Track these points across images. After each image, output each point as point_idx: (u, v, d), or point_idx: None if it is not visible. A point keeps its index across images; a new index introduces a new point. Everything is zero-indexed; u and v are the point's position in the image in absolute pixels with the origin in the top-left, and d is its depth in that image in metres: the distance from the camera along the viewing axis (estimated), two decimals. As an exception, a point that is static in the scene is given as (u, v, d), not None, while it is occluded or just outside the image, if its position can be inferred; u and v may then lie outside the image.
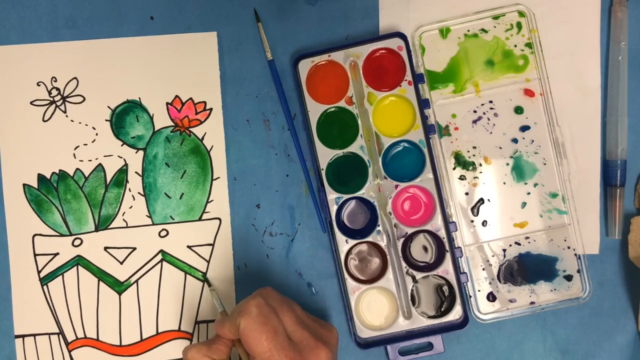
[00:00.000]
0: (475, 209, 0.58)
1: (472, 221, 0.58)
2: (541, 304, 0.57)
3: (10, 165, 0.59)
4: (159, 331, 0.58)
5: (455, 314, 0.57)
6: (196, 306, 0.58)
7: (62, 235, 0.58)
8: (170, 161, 0.59)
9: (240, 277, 0.59)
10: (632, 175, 0.58)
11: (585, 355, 0.58)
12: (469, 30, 0.58)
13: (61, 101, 0.59)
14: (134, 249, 0.58)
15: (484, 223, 0.58)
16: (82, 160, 0.59)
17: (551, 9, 0.58)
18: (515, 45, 0.58)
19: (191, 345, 0.51)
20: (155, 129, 0.59)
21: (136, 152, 0.59)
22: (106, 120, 0.59)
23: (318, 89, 0.57)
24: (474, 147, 0.58)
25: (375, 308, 0.57)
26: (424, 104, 0.57)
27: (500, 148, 0.58)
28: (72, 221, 0.58)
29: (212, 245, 0.59)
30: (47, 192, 0.58)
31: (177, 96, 0.59)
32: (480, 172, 0.58)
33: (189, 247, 0.59)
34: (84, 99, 0.59)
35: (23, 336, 0.58)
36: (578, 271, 0.57)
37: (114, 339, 0.58)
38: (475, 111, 0.58)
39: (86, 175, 0.59)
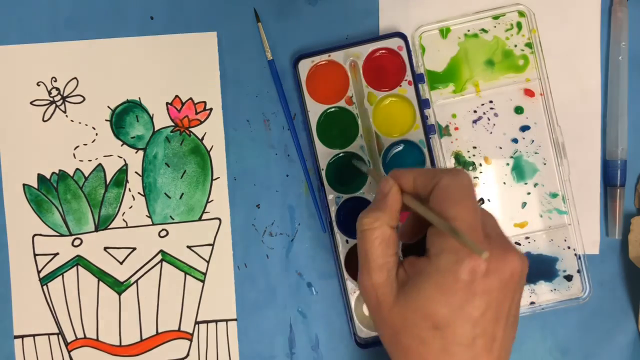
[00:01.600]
0: (475, 209, 0.58)
1: (472, 221, 0.58)
2: (541, 304, 0.57)
3: (10, 165, 0.59)
4: (159, 331, 0.58)
5: (456, 314, 0.56)
6: (196, 306, 0.58)
7: (62, 235, 0.58)
8: (170, 161, 0.59)
9: (240, 277, 0.58)
10: (632, 175, 0.58)
11: (585, 355, 0.58)
12: (469, 30, 0.58)
13: (61, 101, 0.59)
14: (134, 249, 0.58)
15: (484, 223, 0.58)
16: (82, 160, 0.59)
17: (551, 9, 0.58)
18: (515, 45, 0.58)
19: (367, 212, 0.43)
20: (155, 129, 0.59)
21: (136, 152, 0.59)
22: (106, 120, 0.59)
23: (318, 89, 0.57)
24: (474, 147, 0.58)
25: (375, 308, 0.57)
26: (424, 104, 0.57)
27: (500, 148, 0.58)
28: (72, 221, 0.58)
29: (212, 245, 0.59)
30: (47, 192, 0.58)
31: (177, 96, 0.59)
32: (480, 172, 0.58)
33: (188, 247, 0.59)
34: (84, 99, 0.59)
35: (22, 336, 0.58)
36: (578, 271, 0.57)
37: (114, 339, 0.58)
38: (475, 111, 0.58)
39: (86, 175, 0.59)
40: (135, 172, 0.59)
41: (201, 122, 0.59)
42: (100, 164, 0.59)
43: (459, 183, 0.41)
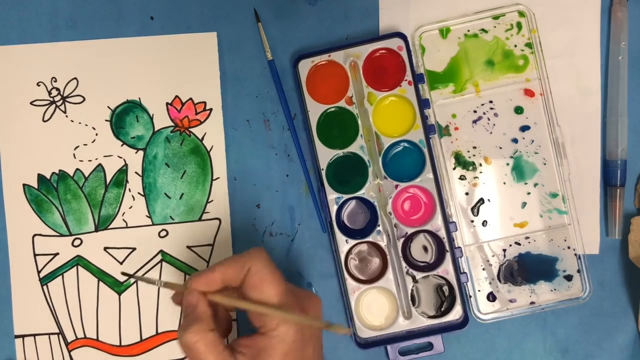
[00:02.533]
0: (475, 209, 0.58)
1: (472, 221, 0.58)
2: (541, 304, 0.57)
3: (10, 165, 0.59)
4: (159, 331, 0.58)
5: (455, 314, 0.57)
6: (196, 306, 0.58)
7: (62, 235, 0.58)
8: (170, 161, 0.59)
9: (240, 277, 0.58)
10: (632, 175, 0.58)
11: (585, 355, 0.58)
12: (469, 30, 0.58)
13: (61, 101, 0.59)
14: (134, 249, 0.58)
15: (484, 223, 0.58)
16: (82, 161, 0.59)
17: (551, 9, 0.58)
18: (515, 45, 0.58)
19: (184, 329, 0.45)
20: (155, 129, 0.59)
21: (136, 152, 0.59)
22: (106, 120, 0.59)
23: (318, 89, 0.57)
24: (474, 147, 0.58)
25: (375, 308, 0.57)
26: (424, 104, 0.57)
27: (500, 148, 0.58)
28: (72, 221, 0.58)
29: (212, 245, 0.59)
30: (47, 192, 0.58)
31: (177, 96, 0.59)
32: (480, 172, 0.58)
33: (188, 247, 0.59)
34: (84, 99, 0.59)
35: (23, 336, 0.58)
36: (578, 271, 0.57)
37: (114, 339, 0.58)
38: (475, 111, 0.58)
39: (86, 176, 0.59)
40: (135, 172, 0.59)
41: (201, 122, 0.59)
42: (100, 164, 0.59)
43: (263, 265, 0.47)
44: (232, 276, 0.46)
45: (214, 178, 0.59)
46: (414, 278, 0.57)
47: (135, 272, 0.58)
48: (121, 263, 0.58)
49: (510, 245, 0.58)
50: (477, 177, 0.58)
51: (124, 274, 0.50)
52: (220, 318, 0.50)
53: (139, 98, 0.59)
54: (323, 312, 0.58)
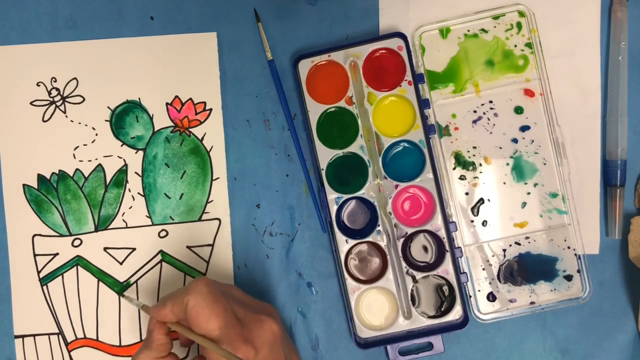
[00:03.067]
0: (475, 209, 0.58)
1: (472, 221, 0.58)
2: (541, 304, 0.57)
3: (10, 166, 0.59)
4: (159, 331, 0.58)
5: (455, 314, 0.57)
6: (196, 306, 0.58)
7: (61, 235, 0.58)
8: (170, 161, 0.59)
9: (240, 277, 0.58)
10: (632, 175, 0.58)
11: (585, 355, 0.58)
12: (469, 30, 0.58)
13: (61, 101, 0.59)
14: (134, 249, 0.58)
15: (484, 223, 0.58)
16: (81, 161, 0.59)
17: (551, 9, 0.58)
18: (515, 45, 0.58)
19: (136, 355, 0.50)
20: (155, 130, 0.59)
21: (136, 153, 0.59)
22: (106, 120, 0.59)
23: (318, 89, 0.57)
24: (474, 147, 0.58)
25: (375, 308, 0.57)
26: (424, 104, 0.57)
27: (500, 148, 0.58)
28: (72, 221, 0.58)
29: (212, 245, 0.59)
30: (46, 192, 0.58)
31: (176, 96, 0.59)
32: (480, 172, 0.58)
33: (188, 247, 0.59)
34: (84, 99, 0.59)
35: (23, 336, 0.58)
36: (578, 271, 0.57)
37: (114, 339, 0.58)
38: (475, 111, 0.58)
39: (86, 176, 0.59)
40: (135, 173, 0.59)
41: (201, 123, 0.59)
42: (100, 164, 0.59)
43: (201, 298, 0.47)
44: (177, 310, 0.48)
45: (213, 178, 0.59)
46: (414, 278, 0.57)
47: (135, 272, 0.58)
48: (121, 263, 0.58)
49: (510, 245, 0.58)
50: (477, 177, 0.58)
51: (119, 293, 0.56)
52: (184, 341, 0.55)
53: (139, 98, 0.59)
54: (324, 313, 0.58)
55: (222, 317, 0.47)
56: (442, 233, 0.57)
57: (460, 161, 0.58)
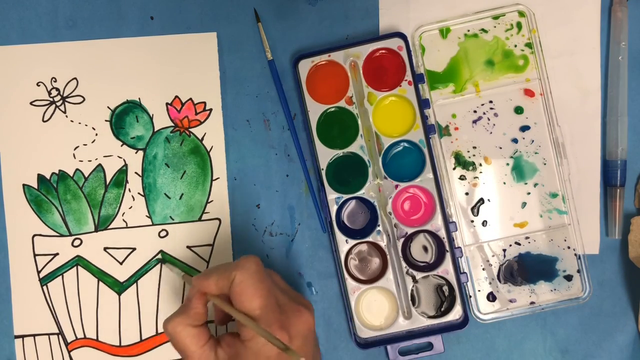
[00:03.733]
0: (475, 209, 0.58)
1: (472, 221, 0.58)
2: (541, 304, 0.57)
3: (10, 166, 0.59)
4: (159, 332, 0.58)
5: (455, 314, 0.57)
6: (196, 306, 0.58)
7: (61, 235, 0.58)
8: (170, 161, 0.59)
9: (240, 277, 0.58)
10: (632, 175, 0.58)
11: (585, 355, 0.58)
12: (469, 30, 0.58)
13: (61, 101, 0.59)
14: (134, 249, 0.58)
15: (484, 223, 0.58)
16: (81, 161, 0.59)
17: (551, 9, 0.58)
18: (515, 45, 0.58)
19: (170, 318, 0.49)
20: (155, 130, 0.59)
21: (136, 153, 0.59)
22: (106, 120, 0.59)
23: (318, 89, 0.57)
24: (474, 147, 0.58)
25: (375, 308, 0.57)
26: (424, 104, 0.57)
27: (500, 148, 0.58)
28: (72, 221, 0.58)
29: (212, 245, 0.59)
30: (46, 192, 0.58)
31: (176, 96, 0.59)
32: (480, 172, 0.58)
33: (188, 247, 0.59)
34: (84, 99, 0.59)
35: (23, 336, 0.58)
36: (578, 271, 0.57)
37: (114, 340, 0.58)
38: (475, 111, 0.58)
39: (86, 176, 0.59)
40: (135, 173, 0.59)
41: (201, 123, 0.59)
42: (100, 164, 0.59)
43: (248, 276, 0.47)
44: (222, 285, 0.48)
45: (213, 178, 0.59)
46: (414, 278, 0.57)
47: (135, 272, 0.58)
48: (121, 263, 0.58)
49: (510, 245, 0.58)
50: (477, 177, 0.58)
51: (161, 260, 0.54)
52: (219, 318, 0.52)
53: (139, 98, 0.59)
54: (324, 312, 0.58)
55: (265, 298, 0.47)
56: (442, 233, 0.57)
57: (460, 161, 0.58)
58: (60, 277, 0.58)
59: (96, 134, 0.59)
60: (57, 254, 0.58)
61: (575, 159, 0.58)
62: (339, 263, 0.57)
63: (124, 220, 0.58)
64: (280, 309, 0.48)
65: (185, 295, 0.50)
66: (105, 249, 0.58)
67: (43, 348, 0.58)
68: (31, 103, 0.59)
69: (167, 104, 0.59)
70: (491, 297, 0.58)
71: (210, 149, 0.59)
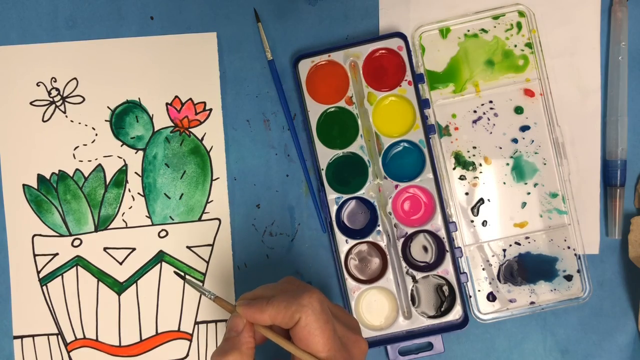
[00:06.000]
0: (475, 209, 0.58)
1: (472, 221, 0.58)
2: (541, 304, 0.57)
3: (10, 166, 0.58)
4: (159, 332, 0.58)
5: (455, 314, 0.56)
6: (196, 306, 0.58)
7: (61, 235, 0.58)
8: (170, 161, 0.59)
9: (240, 277, 0.58)
10: (632, 175, 0.58)
11: (585, 355, 0.58)
12: (469, 30, 0.58)
13: (61, 101, 0.59)
14: (134, 249, 0.58)
15: (484, 223, 0.58)
16: (81, 161, 0.59)
17: (551, 9, 0.58)
18: (515, 45, 0.58)
19: (222, 356, 0.45)
20: (155, 130, 0.59)
21: (136, 153, 0.59)
22: (106, 120, 0.59)
23: (318, 89, 0.57)
24: (474, 147, 0.58)
25: (375, 308, 0.57)
26: (424, 104, 0.57)
27: (500, 148, 0.58)
28: (72, 221, 0.58)
29: (212, 245, 0.59)
30: (46, 192, 0.58)
31: (176, 96, 0.59)
32: (480, 172, 0.58)
33: (188, 247, 0.59)
34: (84, 100, 0.59)
35: (22, 337, 0.58)
36: (578, 271, 0.57)
37: (114, 340, 0.58)
38: (475, 111, 0.58)
39: (86, 176, 0.59)
40: (135, 173, 0.59)
41: (201, 123, 0.59)
42: (100, 164, 0.59)
43: (315, 318, 0.44)
44: (281, 322, 0.45)
45: (213, 178, 0.59)
46: (414, 278, 0.57)
47: (135, 272, 0.58)
48: (121, 263, 0.58)
49: (510, 245, 0.58)
50: (477, 177, 0.58)
51: (177, 274, 0.52)
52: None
53: (139, 98, 0.59)
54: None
55: (332, 340, 0.44)
56: (442, 233, 0.57)
57: (460, 161, 0.58)
58: (60, 277, 0.58)
59: (96, 134, 0.59)
60: (57, 254, 0.58)
61: (575, 159, 0.58)
62: (339, 263, 0.57)
63: (123, 220, 0.58)
64: (342, 344, 0.46)
65: (227, 324, 0.47)
66: (105, 249, 0.58)
67: (42, 348, 0.58)
68: (31, 103, 0.59)
69: (167, 104, 0.59)
70: (491, 297, 0.58)
71: (210, 149, 0.59)
